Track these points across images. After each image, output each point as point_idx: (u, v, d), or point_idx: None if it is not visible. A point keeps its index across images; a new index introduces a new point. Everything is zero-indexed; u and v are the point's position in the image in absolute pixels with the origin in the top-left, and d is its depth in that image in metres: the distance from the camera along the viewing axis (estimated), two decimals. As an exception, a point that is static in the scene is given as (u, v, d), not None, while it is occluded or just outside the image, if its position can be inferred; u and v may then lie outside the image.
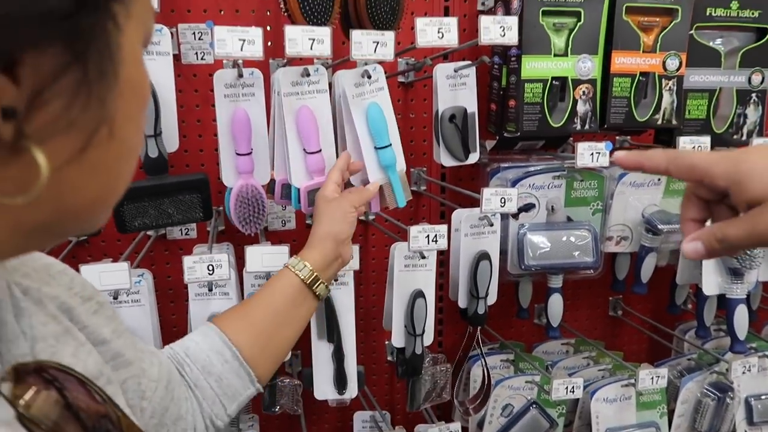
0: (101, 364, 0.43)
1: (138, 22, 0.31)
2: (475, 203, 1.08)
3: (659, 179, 1.20)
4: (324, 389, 1.04)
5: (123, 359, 0.47)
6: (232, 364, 0.66)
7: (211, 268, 0.88)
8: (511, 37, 0.95)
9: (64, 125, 0.27)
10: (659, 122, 1.14)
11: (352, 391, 1.05)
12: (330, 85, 0.97)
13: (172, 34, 1.01)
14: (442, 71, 1.05)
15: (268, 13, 1.14)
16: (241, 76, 0.91)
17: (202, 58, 1.06)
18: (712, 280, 1.19)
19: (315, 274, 0.76)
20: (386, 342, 1.36)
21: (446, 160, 1.10)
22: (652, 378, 1.15)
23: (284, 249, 0.92)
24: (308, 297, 0.75)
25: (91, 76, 0.28)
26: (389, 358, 1.37)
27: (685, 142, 1.06)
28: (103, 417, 0.35)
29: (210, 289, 0.95)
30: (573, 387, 1.11)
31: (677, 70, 1.12)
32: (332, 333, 1.02)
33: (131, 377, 0.48)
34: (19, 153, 0.27)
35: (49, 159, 0.27)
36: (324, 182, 0.88)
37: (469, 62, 1.05)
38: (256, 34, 0.84)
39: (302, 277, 0.75)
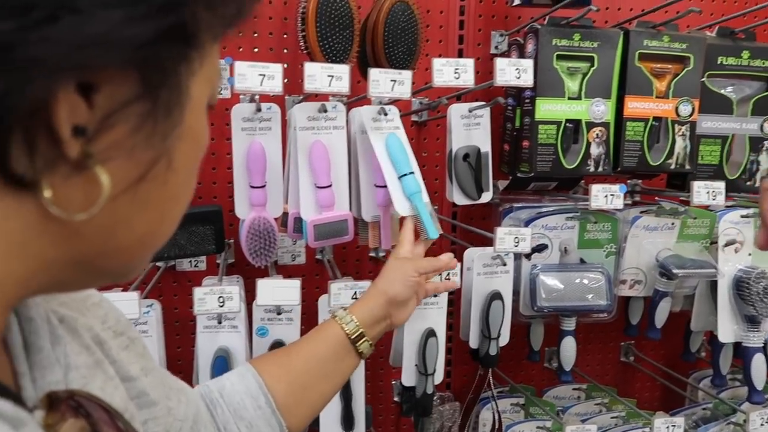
0: (126, 401, 0.43)
1: (207, 78, 0.33)
2: (486, 242, 1.08)
3: (673, 223, 1.19)
4: (330, 429, 1.02)
5: (148, 398, 0.46)
6: (264, 411, 0.64)
7: (221, 300, 0.88)
8: (526, 80, 0.97)
9: (125, 152, 0.29)
10: (672, 166, 1.14)
11: (359, 431, 1.02)
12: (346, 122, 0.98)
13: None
14: (456, 111, 1.07)
15: (285, 51, 1.16)
16: (259, 110, 0.92)
17: (219, 93, 1.08)
18: (727, 328, 1.16)
19: (361, 330, 0.74)
20: (393, 382, 1.33)
21: (459, 199, 1.10)
22: (668, 427, 1.11)
23: (296, 283, 0.92)
24: (350, 353, 0.74)
25: (159, 112, 0.29)
26: (396, 399, 1.34)
27: (699, 186, 1.06)
28: None
29: (219, 322, 0.94)
30: (586, 434, 1.08)
31: (690, 115, 1.13)
32: (340, 371, 1.00)
33: (153, 418, 0.47)
34: (82, 171, 0.28)
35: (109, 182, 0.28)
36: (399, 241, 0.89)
37: (484, 103, 1.06)
38: (276, 69, 0.86)
39: (347, 331, 0.74)
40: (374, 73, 0.90)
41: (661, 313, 1.21)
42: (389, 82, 0.91)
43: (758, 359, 1.14)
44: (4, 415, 0.26)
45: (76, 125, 0.26)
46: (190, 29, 0.29)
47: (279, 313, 0.97)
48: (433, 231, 0.91)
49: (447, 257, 0.90)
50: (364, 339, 0.74)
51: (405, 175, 0.92)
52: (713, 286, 1.19)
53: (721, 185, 1.09)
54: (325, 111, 0.93)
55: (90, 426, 0.33)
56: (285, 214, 0.99)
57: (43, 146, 0.26)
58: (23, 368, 0.34)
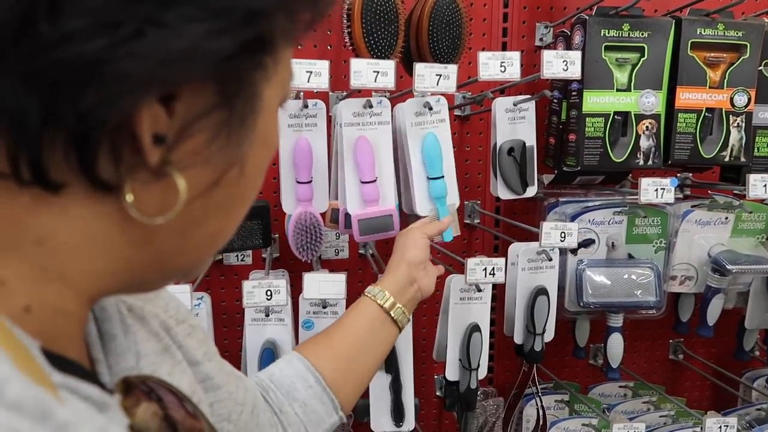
0: (194, 384, 0.44)
1: (280, 80, 0.33)
2: (530, 237, 1.07)
3: (727, 218, 1.15)
4: (381, 421, 1.03)
5: (212, 382, 0.48)
6: (315, 389, 0.66)
7: (269, 293, 0.89)
8: (574, 72, 0.95)
9: (202, 159, 0.30)
10: (726, 159, 1.10)
11: (409, 423, 1.03)
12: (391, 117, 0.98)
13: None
14: (501, 104, 1.06)
15: (329, 48, 1.17)
16: (305, 107, 0.93)
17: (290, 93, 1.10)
18: (785, 326, 1.12)
19: (392, 298, 0.78)
20: (435, 376, 1.34)
21: (503, 193, 1.09)
22: (720, 427, 1.08)
23: (341, 277, 0.93)
24: (386, 322, 0.77)
25: (234, 121, 0.30)
26: (438, 393, 1.34)
27: (756, 180, 1.02)
28: (198, 429, 0.37)
29: (267, 315, 0.96)
30: (634, 433, 1.06)
31: (746, 106, 1.09)
32: (390, 363, 1.01)
33: (218, 401, 0.48)
34: (161, 178, 0.29)
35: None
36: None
37: (530, 96, 1.05)
38: (322, 66, 0.87)
39: (380, 303, 0.77)
40: (420, 67, 0.90)
41: (714, 311, 1.17)
42: (434, 77, 0.90)
43: (817, 359, 1.10)
44: (91, 398, 0.28)
45: (157, 134, 0.27)
46: (267, 37, 0.29)
47: (324, 307, 0.98)
48: (449, 235, 0.95)
49: (447, 218, 0.95)
50: (397, 306, 0.78)
51: (435, 178, 0.93)
52: (769, 282, 1.15)
53: (779, 178, 1.05)
54: (371, 106, 0.93)
55: (161, 410, 0.35)
56: (333, 210, 1.00)
57: (127, 154, 0.28)
58: (99, 355, 0.36)
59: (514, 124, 1.07)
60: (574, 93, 1.08)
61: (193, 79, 0.27)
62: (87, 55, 0.24)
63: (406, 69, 1.05)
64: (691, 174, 1.26)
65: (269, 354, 0.96)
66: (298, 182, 0.95)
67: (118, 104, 0.25)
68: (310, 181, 0.95)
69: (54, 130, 0.26)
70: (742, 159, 1.11)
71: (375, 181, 0.93)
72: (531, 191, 1.09)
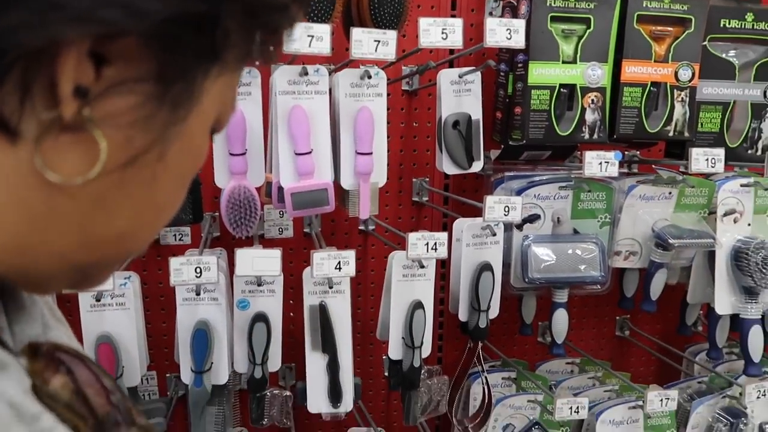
0: None
1: (221, 98, 0.33)
2: (478, 215, 1.04)
3: (670, 192, 1.15)
4: (318, 402, 1.00)
5: None
6: None
7: (198, 270, 0.85)
8: (518, 40, 0.93)
9: (123, 126, 0.28)
10: (671, 134, 1.10)
11: (347, 404, 1.00)
12: (330, 88, 0.94)
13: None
14: (446, 77, 1.03)
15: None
16: (237, 73, 0.88)
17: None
18: (725, 300, 1.13)
19: None
20: (384, 356, 1.32)
21: (449, 168, 1.06)
22: (662, 400, 1.09)
23: (276, 252, 0.89)
24: None
25: (165, 99, 0.29)
26: (386, 374, 1.32)
27: (698, 154, 1.02)
28: (113, 406, 0.35)
29: (198, 294, 0.92)
30: (578, 407, 1.06)
31: (690, 81, 1.09)
32: (327, 343, 0.98)
33: None
34: (74, 133, 0.27)
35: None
36: None
37: (474, 68, 1.02)
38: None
39: None
40: (357, 32, 0.86)
41: (657, 285, 1.18)
42: (373, 43, 0.86)
43: (755, 331, 1.12)
44: None
45: (79, 86, 0.26)
46: (218, 39, 0.28)
47: (260, 285, 0.94)
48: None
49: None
50: None
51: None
52: (711, 257, 1.15)
53: (720, 152, 1.05)
54: (306, 74, 0.89)
55: (72, 383, 0.32)
56: (269, 184, 0.96)
57: (39, 96, 0.26)
58: (2, 323, 0.33)
59: (460, 96, 1.04)
60: (520, 65, 1.05)
61: (129, 31, 0.26)
62: None
63: (347, 36, 1.00)
64: (638, 152, 1.26)
65: (202, 335, 0.92)
66: (231, 154, 0.90)
67: (42, 32, 0.24)
68: (244, 153, 0.91)
69: None
70: (686, 134, 1.10)
71: (310, 153, 0.89)
72: (477, 166, 1.06)
